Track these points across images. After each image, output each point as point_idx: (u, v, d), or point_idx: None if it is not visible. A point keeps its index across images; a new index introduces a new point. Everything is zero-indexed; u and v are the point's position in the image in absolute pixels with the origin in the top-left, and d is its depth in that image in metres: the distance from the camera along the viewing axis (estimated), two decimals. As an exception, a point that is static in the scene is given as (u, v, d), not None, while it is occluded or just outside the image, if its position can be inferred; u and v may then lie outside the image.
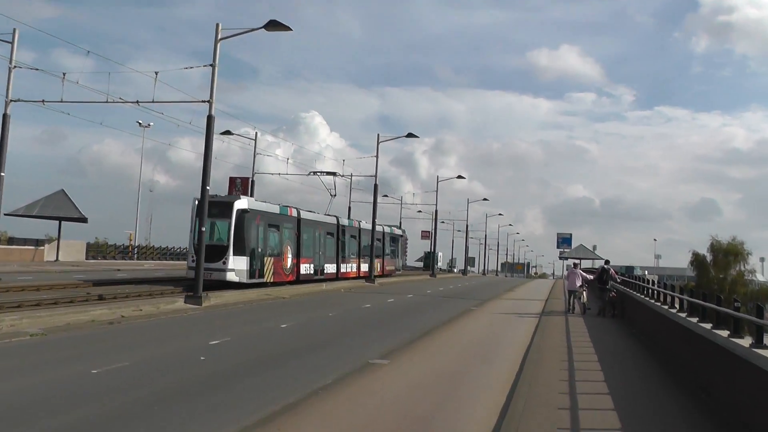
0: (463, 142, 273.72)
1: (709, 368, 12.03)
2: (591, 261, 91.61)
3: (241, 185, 47.78)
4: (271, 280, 34.77)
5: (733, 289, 68.89)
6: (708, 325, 12.40)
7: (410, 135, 48.87)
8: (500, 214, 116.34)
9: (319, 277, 41.26)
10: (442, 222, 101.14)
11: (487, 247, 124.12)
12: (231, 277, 31.48)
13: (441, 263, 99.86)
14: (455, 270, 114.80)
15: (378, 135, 48.75)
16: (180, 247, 77.76)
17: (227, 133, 43.92)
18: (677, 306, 16.12)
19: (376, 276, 50.33)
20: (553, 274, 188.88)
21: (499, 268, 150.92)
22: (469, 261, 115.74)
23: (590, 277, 30.67)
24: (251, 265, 32.81)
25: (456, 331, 21.34)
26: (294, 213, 38.43)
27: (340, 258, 45.53)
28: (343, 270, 45.65)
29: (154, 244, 79.86)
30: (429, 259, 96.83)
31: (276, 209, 36.46)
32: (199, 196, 27.43)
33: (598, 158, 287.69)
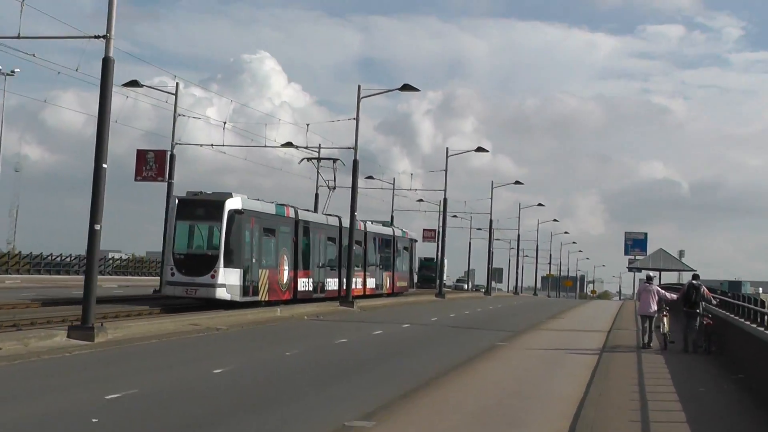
0: (483, 99, 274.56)
1: None
2: (677, 274, 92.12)
3: (155, 161, 47.66)
4: (266, 299, 39.54)
5: None
6: None
7: (406, 87, 48.81)
8: (540, 205, 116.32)
9: (318, 294, 46.59)
10: (454, 216, 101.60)
11: (521, 253, 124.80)
12: (221, 294, 35.88)
13: (447, 276, 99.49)
14: (469, 287, 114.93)
15: (359, 87, 48.73)
16: (65, 256, 77.60)
17: (134, 84, 43.79)
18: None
19: (381, 293, 57.01)
20: (620, 292, 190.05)
21: (539, 285, 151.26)
22: (495, 274, 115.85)
23: (673, 296, 30.74)
24: (245, 279, 37.27)
25: (474, 378, 21.29)
26: (291, 213, 43.16)
27: (342, 270, 50.12)
28: (345, 285, 49.28)
29: (20, 250, 79.66)
30: (428, 269, 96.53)
31: (272, 209, 41.16)
32: (180, 194, 32.64)
33: (687, 122, 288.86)
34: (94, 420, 14.18)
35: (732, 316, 26.25)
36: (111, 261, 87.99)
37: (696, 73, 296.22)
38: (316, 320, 38.04)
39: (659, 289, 30.90)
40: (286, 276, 41.86)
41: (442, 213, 77.15)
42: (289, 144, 54.02)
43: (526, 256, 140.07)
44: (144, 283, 64.21)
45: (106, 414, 14.70)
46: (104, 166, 25.65)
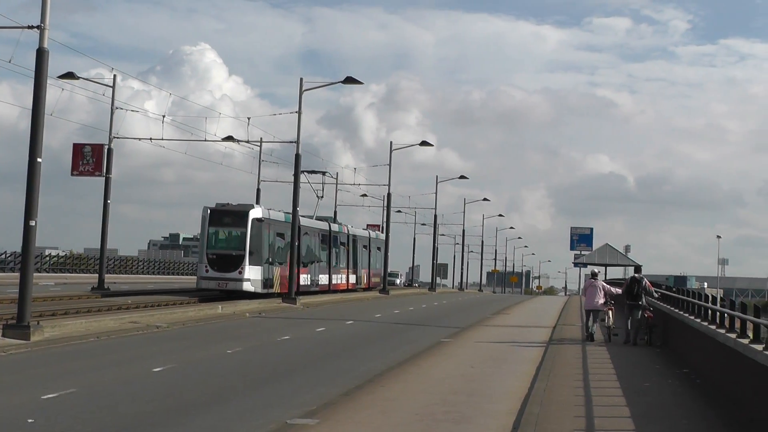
0: (428, 91, 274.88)
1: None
2: (623, 269, 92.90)
3: (92, 155, 47.27)
4: (278, 291, 48.45)
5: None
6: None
7: (349, 80, 48.75)
8: (485, 200, 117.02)
9: (314, 289, 55.73)
10: (398, 211, 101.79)
11: (466, 248, 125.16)
12: (247, 287, 45.28)
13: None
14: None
15: (301, 80, 48.62)
16: (0, 253, 76.84)
17: (70, 76, 43.35)
18: (751, 334, 16.29)
19: (359, 288, 65.97)
20: (566, 288, 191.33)
21: (485, 281, 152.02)
22: (440, 270, 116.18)
23: (617, 291, 31.51)
24: (264, 275, 47.04)
25: (418, 375, 21.32)
26: (299, 221, 50.96)
27: (331, 268, 59.39)
28: (334, 281, 59.99)
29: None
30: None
31: (281, 216, 50.31)
32: (212, 205, 43.91)
33: (634, 115, 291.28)
34: (30, 420, 14.05)
35: (675, 310, 26.64)
36: (48, 258, 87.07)
37: (643, 66, 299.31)
38: (259, 317, 37.96)
39: (604, 284, 31.77)
40: (289, 272, 48.72)
41: (385, 208, 77.22)
42: (229, 138, 53.84)
43: (472, 251, 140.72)
44: (82, 280, 63.67)
45: (42, 414, 14.56)
46: (39, 160, 25.37)
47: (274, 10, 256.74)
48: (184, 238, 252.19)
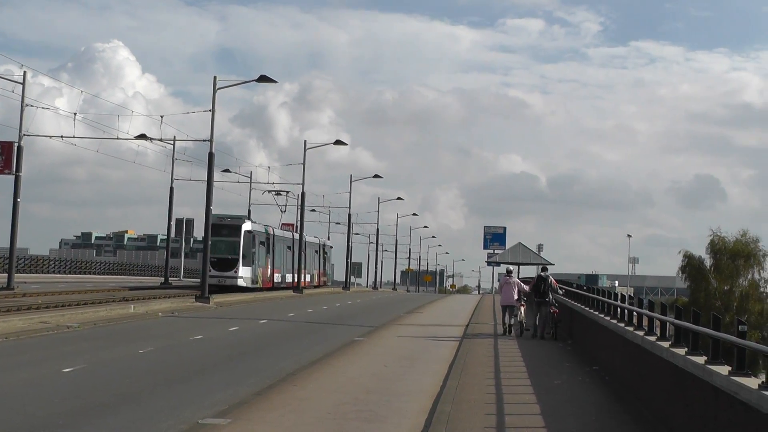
0: (341, 90, 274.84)
1: (705, 421, 12.41)
2: (536, 268, 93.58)
3: (1, 154, 46.54)
4: (260, 286, 62.50)
5: (743, 306, 71.76)
6: (700, 359, 12.79)
7: (263, 79, 48.57)
8: (399, 199, 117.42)
9: (284, 284, 70.02)
10: (312, 210, 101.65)
11: (380, 247, 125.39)
12: (241, 282, 58.82)
13: None
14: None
15: (215, 78, 48.23)
16: None
17: (-22, 72, 42.66)
18: (659, 331, 16.57)
19: (313, 285, 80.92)
20: (479, 287, 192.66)
21: (399, 280, 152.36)
22: (354, 269, 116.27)
23: (525, 288, 33.23)
24: (253, 273, 60.90)
25: (331, 375, 21.34)
26: (271, 231, 66.74)
27: (294, 268, 72.47)
28: (296, 279, 71.89)
29: None
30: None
31: (262, 228, 64.40)
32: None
33: (546, 116, 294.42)
34: (-66, 423, 13.81)
35: (584, 307, 27.14)
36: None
37: (555, 68, 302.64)
38: (172, 317, 37.66)
39: (519, 281, 33.79)
40: (269, 272, 65.02)
41: (299, 207, 77.00)
42: (142, 136, 53.41)
43: (386, 250, 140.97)
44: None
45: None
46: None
47: (188, 8, 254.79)
48: (96, 237, 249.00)
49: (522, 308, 32.67)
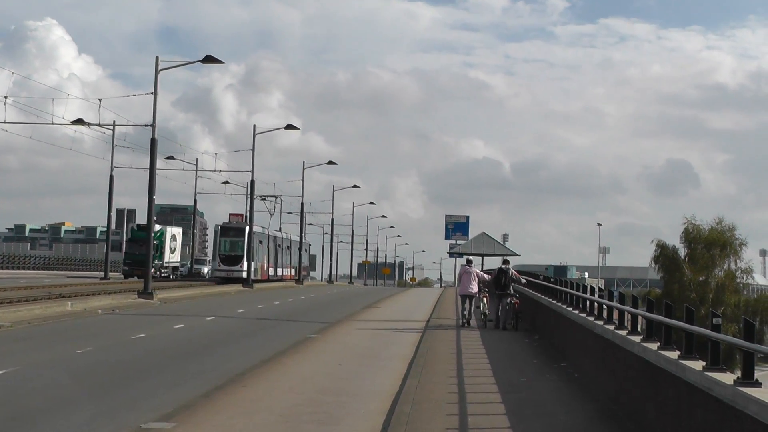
0: (291, 72, 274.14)
1: (679, 418, 12.50)
2: (502, 259, 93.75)
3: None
4: (259, 278, 79.34)
5: (719, 298, 72.37)
6: (673, 354, 12.89)
7: (209, 59, 48.39)
8: (355, 187, 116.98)
9: (276, 277, 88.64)
10: (263, 199, 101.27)
11: (335, 238, 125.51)
12: (245, 275, 72.93)
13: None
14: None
15: (157, 59, 47.93)
16: None
17: None
18: (630, 325, 16.68)
19: (297, 279, 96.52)
20: (441, 279, 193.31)
21: (355, 273, 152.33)
22: (309, 261, 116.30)
23: (486, 278, 34.89)
24: (255, 268, 76.50)
25: (283, 374, 21.33)
26: (268, 232, 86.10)
27: (283, 263, 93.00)
28: (284, 273, 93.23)
29: None
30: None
31: (262, 230, 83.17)
32: (220, 223, 78.32)
33: (509, 98, 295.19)
34: None
35: (548, 299, 27.46)
36: None
37: (520, 47, 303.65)
38: (112, 314, 37.47)
39: (479, 272, 35.29)
40: (266, 266, 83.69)
41: (249, 196, 76.85)
42: (79, 121, 53.07)
43: (341, 241, 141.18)
44: None
45: None
46: None
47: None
48: (30, 230, 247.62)
49: (485, 299, 34.49)
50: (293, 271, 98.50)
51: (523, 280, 35.82)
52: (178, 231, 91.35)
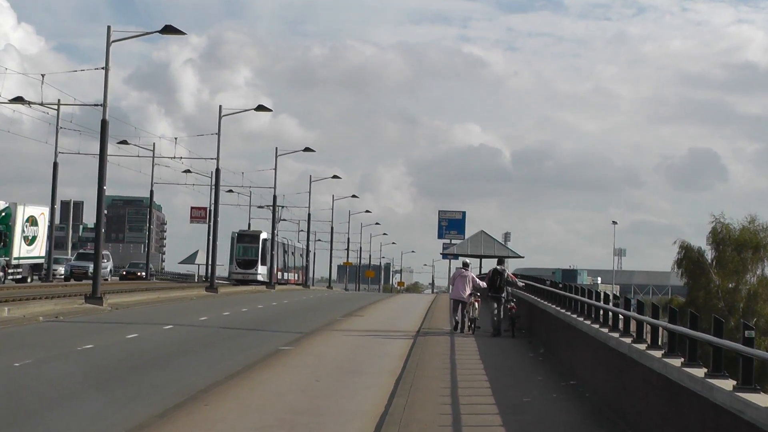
0: (259, 45, 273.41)
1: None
2: (503, 262, 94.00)
3: None
4: (269, 281, 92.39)
5: (751, 307, 72.26)
6: (699, 372, 12.89)
7: (169, 30, 48.20)
8: (335, 177, 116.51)
9: (284, 281, 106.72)
10: (230, 190, 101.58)
11: (312, 236, 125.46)
12: (259, 278, 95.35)
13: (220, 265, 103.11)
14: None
15: (109, 29, 47.73)
16: None
17: None
18: (649, 338, 16.67)
19: (298, 283, 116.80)
20: (433, 284, 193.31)
21: (335, 276, 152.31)
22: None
23: (483, 284, 35.79)
24: (268, 271, 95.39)
25: (251, 391, 21.29)
26: (277, 238, 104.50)
27: (288, 269, 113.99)
28: (291, 278, 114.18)
29: None
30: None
31: (267, 235, 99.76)
32: (237, 230, 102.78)
33: (509, 78, 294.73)
34: None
35: (554, 307, 27.47)
36: None
37: (525, 19, 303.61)
38: (56, 322, 37.39)
39: (474, 277, 36.16)
40: (276, 270, 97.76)
41: (214, 187, 76.81)
42: (18, 99, 52.90)
43: (319, 240, 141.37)
44: None
45: None
46: None
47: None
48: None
49: (476, 303, 35.31)
50: (298, 275, 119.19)
51: (521, 284, 36.89)
52: (38, 212, 72.20)
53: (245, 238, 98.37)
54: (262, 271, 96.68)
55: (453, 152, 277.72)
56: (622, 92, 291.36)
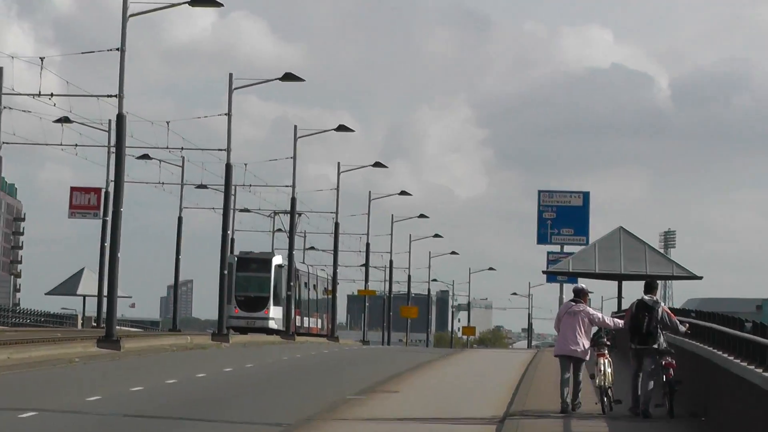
0: None
1: None
2: (661, 284, 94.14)
3: None
4: (285, 329, 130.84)
5: None
6: None
7: None
8: (343, 130, 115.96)
9: (304, 329, 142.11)
10: (143, 155, 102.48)
11: (304, 242, 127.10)
12: (272, 324, 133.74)
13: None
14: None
15: None
16: None
17: None
18: None
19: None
20: (530, 331, 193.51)
21: (345, 315, 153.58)
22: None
23: (616, 322, 35.93)
24: (285, 315, 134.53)
25: None
26: (295, 264, 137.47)
27: (308, 310, 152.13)
28: (313, 325, 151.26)
29: None
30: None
31: (282, 260, 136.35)
32: (237, 253, 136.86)
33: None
34: None
35: (754, 370, 28.18)
36: None
37: None
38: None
39: (591, 311, 35.49)
40: (294, 314, 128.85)
41: (116, 151, 78.03)
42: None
43: (312, 248, 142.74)
44: None
45: None
46: None
47: None
48: None
49: (604, 361, 34.43)
50: (322, 320, 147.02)
51: (682, 328, 35.35)
52: None
53: (249, 265, 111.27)
54: (275, 314, 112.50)
55: (560, 81, 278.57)
56: None
